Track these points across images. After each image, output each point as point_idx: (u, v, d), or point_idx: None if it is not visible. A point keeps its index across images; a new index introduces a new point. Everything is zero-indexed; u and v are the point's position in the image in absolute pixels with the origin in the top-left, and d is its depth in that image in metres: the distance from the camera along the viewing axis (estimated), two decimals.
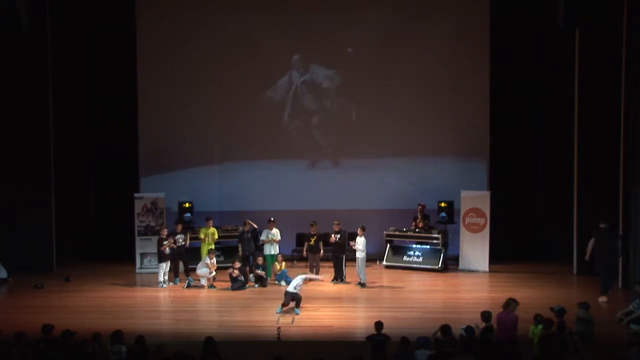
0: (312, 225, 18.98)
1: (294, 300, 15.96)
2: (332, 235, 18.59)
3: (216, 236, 19.09)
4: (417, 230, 20.05)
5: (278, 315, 15.69)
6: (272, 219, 19.00)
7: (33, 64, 19.20)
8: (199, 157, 21.21)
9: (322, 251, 18.92)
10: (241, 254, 18.88)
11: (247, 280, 18.23)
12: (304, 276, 16.72)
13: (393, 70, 20.90)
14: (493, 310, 13.21)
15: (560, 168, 20.02)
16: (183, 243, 18.72)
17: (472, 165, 20.81)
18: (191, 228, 19.49)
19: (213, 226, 19.21)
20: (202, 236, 18.98)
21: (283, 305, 15.96)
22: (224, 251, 19.75)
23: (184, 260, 18.73)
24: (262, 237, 18.94)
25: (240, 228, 19.22)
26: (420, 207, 20.04)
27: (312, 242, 18.91)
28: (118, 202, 20.49)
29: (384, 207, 20.94)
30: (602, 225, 17.11)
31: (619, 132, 17.69)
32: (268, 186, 21.26)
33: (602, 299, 16.69)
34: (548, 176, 20.71)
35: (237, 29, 20.94)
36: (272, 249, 18.87)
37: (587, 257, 17.32)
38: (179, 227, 18.87)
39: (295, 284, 16.24)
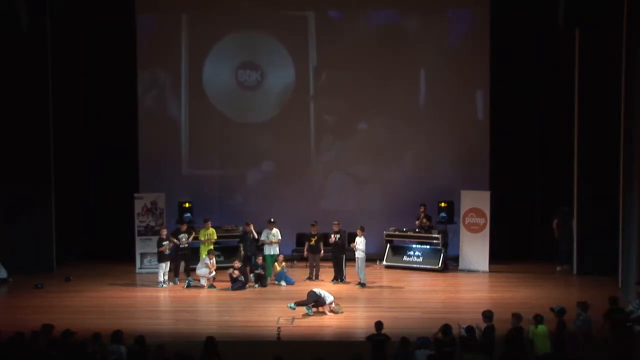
0: (312, 225, 18.96)
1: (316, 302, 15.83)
2: (332, 236, 18.58)
3: (215, 237, 19.07)
4: (417, 230, 20.02)
5: (278, 315, 15.67)
6: (272, 219, 18.98)
7: (33, 64, 19.18)
8: (199, 156, 21.20)
9: (322, 251, 18.92)
10: (243, 253, 18.85)
11: (247, 280, 18.22)
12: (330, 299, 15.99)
13: (392, 70, 20.87)
14: (494, 310, 13.21)
15: (560, 168, 20.01)
16: (186, 244, 18.71)
17: (472, 165, 20.78)
18: (192, 228, 19.47)
19: (213, 226, 19.21)
20: (201, 238, 18.95)
21: (310, 306, 15.85)
22: (224, 251, 19.72)
23: (187, 260, 18.72)
24: (262, 237, 18.93)
25: (241, 228, 19.18)
26: (423, 207, 20.02)
27: (312, 242, 18.90)
28: (118, 202, 20.48)
29: (384, 207, 20.93)
30: (561, 208, 19.60)
31: (619, 132, 17.69)
32: (268, 186, 21.25)
33: (558, 268, 19.44)
34: (548, 176, 20.70)
35: (237, 30, 20.94)
36: (272, 249, 18.85)
37: (556, 235, 19.72)
38: (184, 227, 18.87)
39: (325, 298, 15.84)
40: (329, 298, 15.92)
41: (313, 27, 20.94)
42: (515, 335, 12.47)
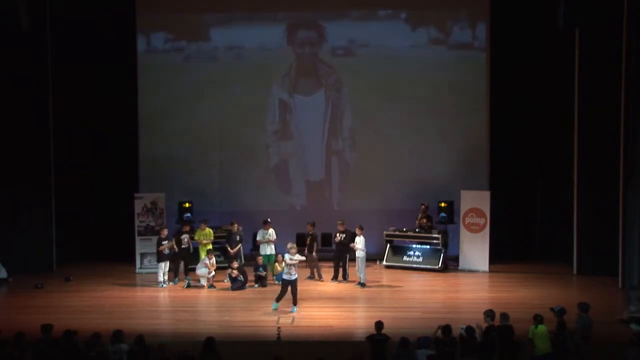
0: (309, 225, 19.00)
1: (291, 288, 15.96)
2: (338, 235, 18.57)
3: (211, 237, 19.08)
4: (417, 230, 20.01)
5: (278, 315, 15.68)
6: (268, 219, 18.96)
7: (33, 63, 19.19)
8: (199, 156, 21.19)
9: (314, 252, 18.89)
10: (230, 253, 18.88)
11: (246, 279, 18.22)
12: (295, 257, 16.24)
13: (392, 69, 20.88)
14: (494, 310, 13.20)
15: (560, 168, 20.02)
16: (187, 245, 18.73)
17: (472, 165, 20.79)
18: (192, 229, 19.45)
19: (211, 226, 19.27)
20: (196, 238, 18.94)
21: (278, 299, 15.96)
22: (223, 251, 19.71)
23: (185, 261, 18.72)
24: (258, 238, 18.92)
25: (241, 228, 19.20)
26: (423, 207, 20.04)
27: (308, 242, 18.85)
28: (118, 202, 20.47)
29: (384, 207, 20.93)
30: None
31: (619, 132, 17.70)
32: (268, 185, 21.26)
33: None
34: (548, 176, 20.71)
35: (237, 33, 20.96)
36: (269, 249, 18.82)
37: None
38: (187, 227, 18.88)
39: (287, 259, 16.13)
40: (288, 258, 16.09)
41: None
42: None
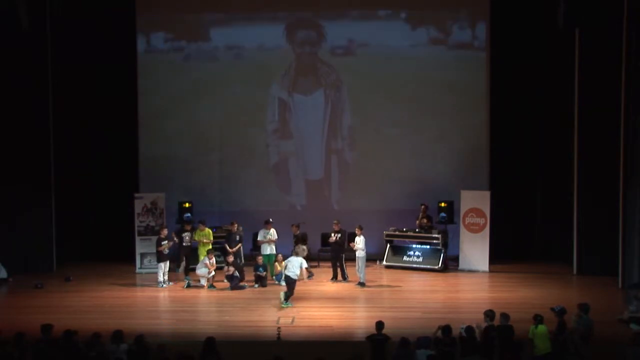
0: (293, 226, 19.11)
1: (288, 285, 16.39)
2: (332, 235, 18.59)
3: (211, 237, 19.08)
4: (417, 230, 20.01)
5: (278, 315, 15.70)
6: (270, 219, 18.97)
7: (33, 63, 19.18)
8: (199, 156, 21.19)
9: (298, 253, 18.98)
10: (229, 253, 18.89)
11: (242, 276, 18.20)
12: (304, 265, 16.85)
13: (392, 69, 20.87)
14: (494, 310, 13.21)
15: (560, 168, 20.02)
16: (189, 243, 18.74)
17: (472, 165, 20.79)
18: (193, 228, 19.45)
19: (211, 226, 19.30)
20: (196, 238, 18.94)
21: (287, 297, 16.22)
22: (223, 251, 19.68)
23: (187, 260, 18.72)
24: (259, 237, 18.94)
25: (241, 228, 19.20)
26: (423, 207, 20.04)
27: (294, 243, 18.91)
28: (118, 202, 20.47)
29: (384, 207, 20.93)
30: None
31: (619, 131, 17.70)
32: (267, 185, 21.26)
33: None
34: (548, 176, 20.71)
35: (237, 33, 20.96)
36: (269, 249, 18.83)
37: None
38: (188, 226, 18.90)
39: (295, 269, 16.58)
40: (299, 263, 16.58)
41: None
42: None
